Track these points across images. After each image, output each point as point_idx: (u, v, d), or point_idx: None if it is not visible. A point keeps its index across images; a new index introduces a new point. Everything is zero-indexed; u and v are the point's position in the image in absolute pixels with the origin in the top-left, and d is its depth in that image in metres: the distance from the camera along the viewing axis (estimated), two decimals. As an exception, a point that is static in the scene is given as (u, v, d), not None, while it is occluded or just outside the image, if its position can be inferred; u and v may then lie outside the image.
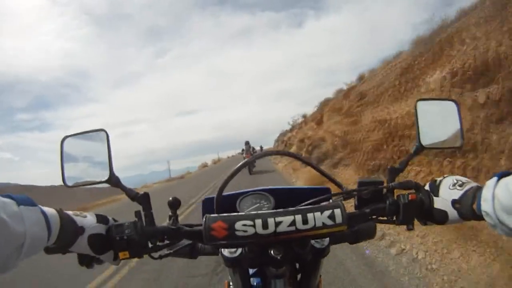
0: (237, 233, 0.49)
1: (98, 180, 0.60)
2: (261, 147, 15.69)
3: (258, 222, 0.49)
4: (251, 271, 0.69)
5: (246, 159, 0.67)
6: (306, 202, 0.58)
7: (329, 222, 0.50)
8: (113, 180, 0.59)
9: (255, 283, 0.68)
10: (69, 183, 0.61)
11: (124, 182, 0.60)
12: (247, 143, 13.19)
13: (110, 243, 0.54)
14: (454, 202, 0.51)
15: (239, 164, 0.64)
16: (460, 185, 0.51)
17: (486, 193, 0.43)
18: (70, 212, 0.51)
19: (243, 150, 13.47)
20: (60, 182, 0.60)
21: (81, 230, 0.50)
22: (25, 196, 0.42)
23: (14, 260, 0.38)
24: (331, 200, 0.61)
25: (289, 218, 0.49)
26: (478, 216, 0.46)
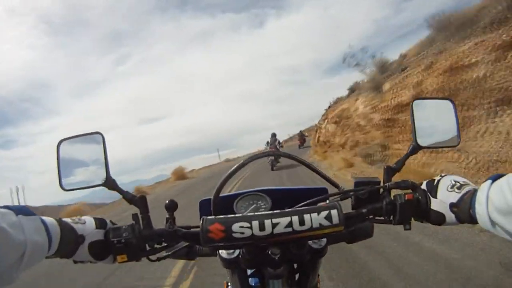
0: (234, 235, 0.49)
1: (94, 183, 0.60)
2: (301, 133, 14.00)
3: (255, 223, 0.49)
4: (249, 271, 0.69)
5: (251, 157, 0.64)
6: (303, 203, 0.58)
7: (326, 223, 0.49)
8: (110, 183, 0.59)
9: (253, 283, 0.68)
10: (66, 187, 0.61)
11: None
12: (273, 135, 12.52)
13: (109, 247, 0.54)
14: (452, 206, 0.50)
15: (236, 165, 0.63)
16: (458, 188, 0.50)
17: (480, 196, 0.43)
18: (69, 220, 0.51)
19: (267, 142, 12.72)
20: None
21: (81, 239, 0.50)
22: (22, 206, 0.43)
23: (16, 270, 0.38)
24: (328, 201, 0.61)
25: (286, 219, 0.49)
26: (474, 220, 0.46)
